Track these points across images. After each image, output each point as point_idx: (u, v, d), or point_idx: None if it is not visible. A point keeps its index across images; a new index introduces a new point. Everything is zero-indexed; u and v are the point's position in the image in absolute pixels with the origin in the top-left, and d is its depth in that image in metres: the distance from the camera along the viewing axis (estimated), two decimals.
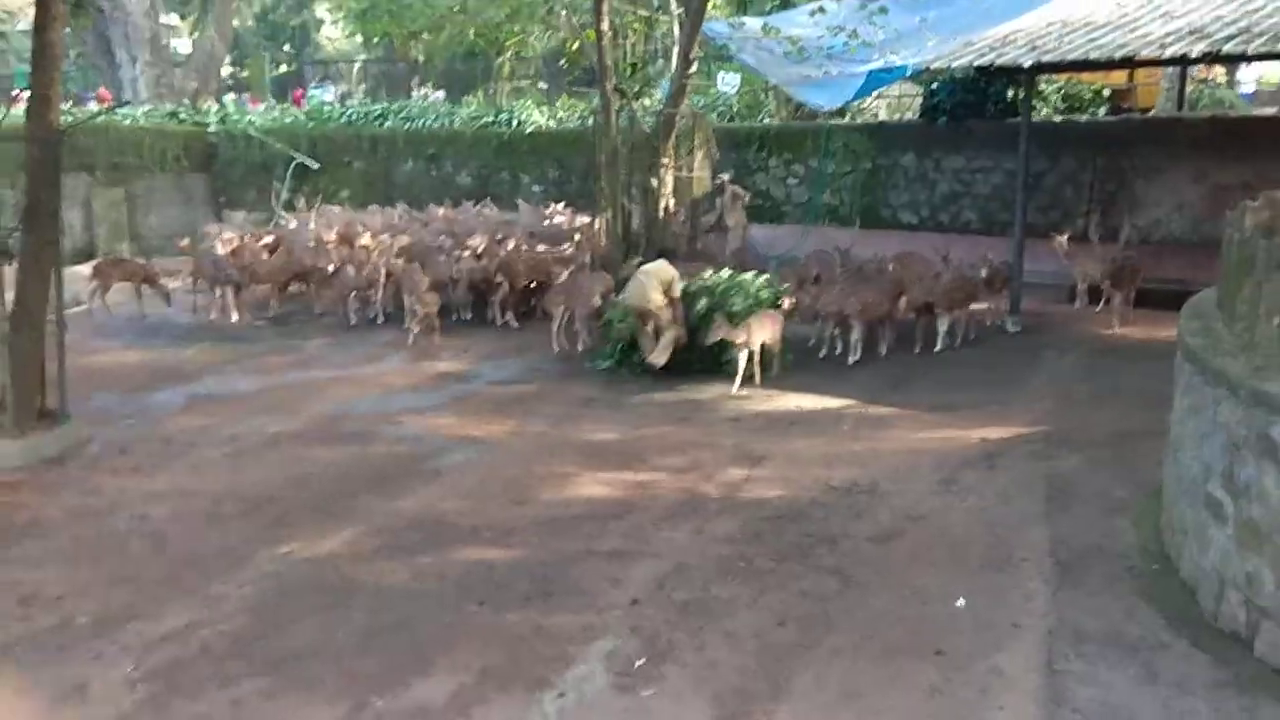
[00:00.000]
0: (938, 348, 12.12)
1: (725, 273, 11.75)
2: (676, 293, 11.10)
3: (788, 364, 11.30)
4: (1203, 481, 5.82)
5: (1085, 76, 19.72)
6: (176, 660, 5.34)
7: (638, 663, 5.27)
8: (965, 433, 9.27)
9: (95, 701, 4.97)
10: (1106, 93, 20.97)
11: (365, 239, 15.89)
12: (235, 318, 14.67)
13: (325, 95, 33.36)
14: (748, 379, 10.65)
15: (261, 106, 28.72)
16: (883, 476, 8.12)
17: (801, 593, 6.08)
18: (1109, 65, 13.63)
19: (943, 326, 12.19)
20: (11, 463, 8.56)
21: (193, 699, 4.97)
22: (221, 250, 16.21)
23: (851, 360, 11.65)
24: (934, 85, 19.08)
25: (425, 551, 6.76)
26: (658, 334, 11.04)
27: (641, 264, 11.76)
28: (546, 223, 18.00)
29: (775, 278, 12.33)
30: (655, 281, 10.98)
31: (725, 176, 17.13)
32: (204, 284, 15.52)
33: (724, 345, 10.79)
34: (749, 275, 11.77)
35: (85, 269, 16.39)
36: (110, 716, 4.85)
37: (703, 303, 11.20)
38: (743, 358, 10.55)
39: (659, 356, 10.99)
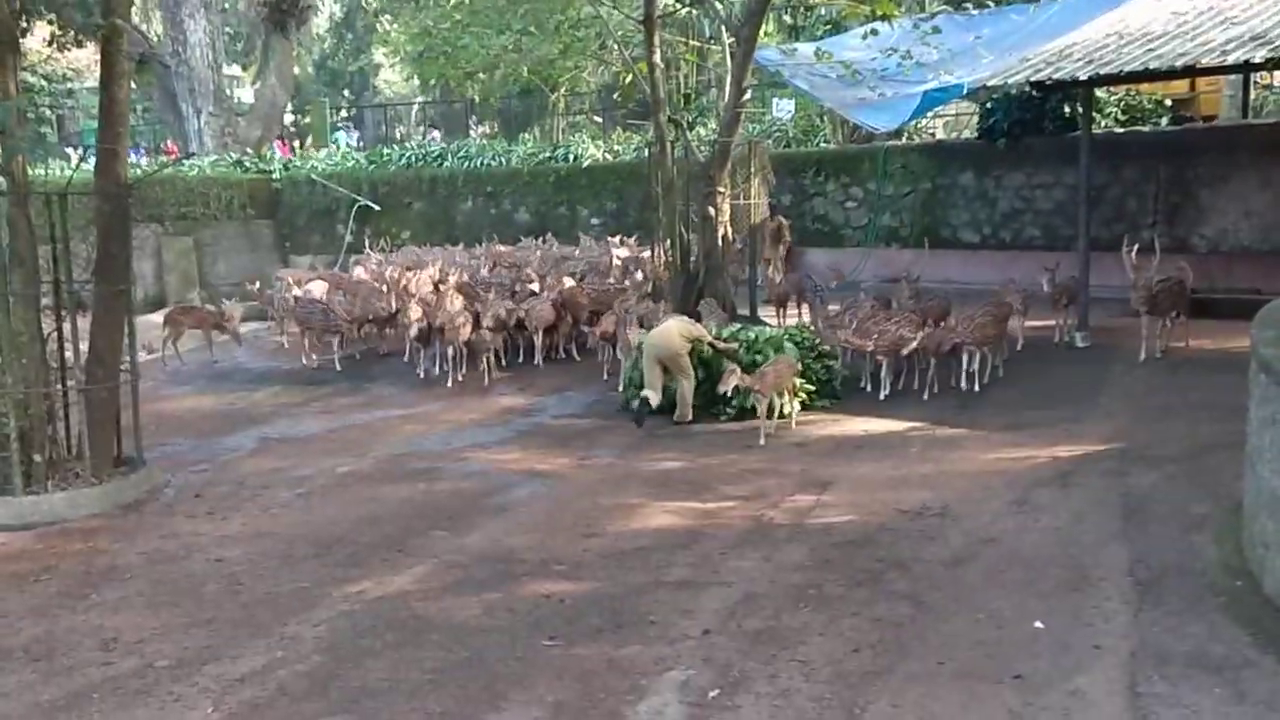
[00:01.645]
0: (965, 386, 11.39)
1: (756, 330, 11.69)
2: (704, 347, 11.09)
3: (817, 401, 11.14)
4: None
5: (1145, 87, 19.42)
6: (254, 701, 5.39)
7: (711, 694, 5.23)
8: (1036, 452, 9.14)
9: None
10: (1168, 102, 20.66)
11: (423, 278, 16.00)
12: (338, 364, 14.52)
13: (348, 139, 33.77)
14: (762, 432, 10.14)
15: (323, 151, 29.19)
16: (953, 499, 8.02)
17: (874, 619, 6.01)
18: (1169, 75, 13.44)
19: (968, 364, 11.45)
20: (90, 509, 8.75)
21: None
22: (293, 294, 16.47)
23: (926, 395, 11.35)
24: (989, 105, 18.91)
25: (495, 587, 6.79)
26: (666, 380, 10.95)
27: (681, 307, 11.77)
28: (601, 254, 18.09)
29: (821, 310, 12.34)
30: (682, 329, 11.00)
31: (767, 207, 16.52)
32: (292, 327, 15.79)
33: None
34: (774, 332, 11.79)
35: (157, 317, 16.73)
36: None
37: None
38: (763, 406, 10.20)
39: (685, 412, 10.95)
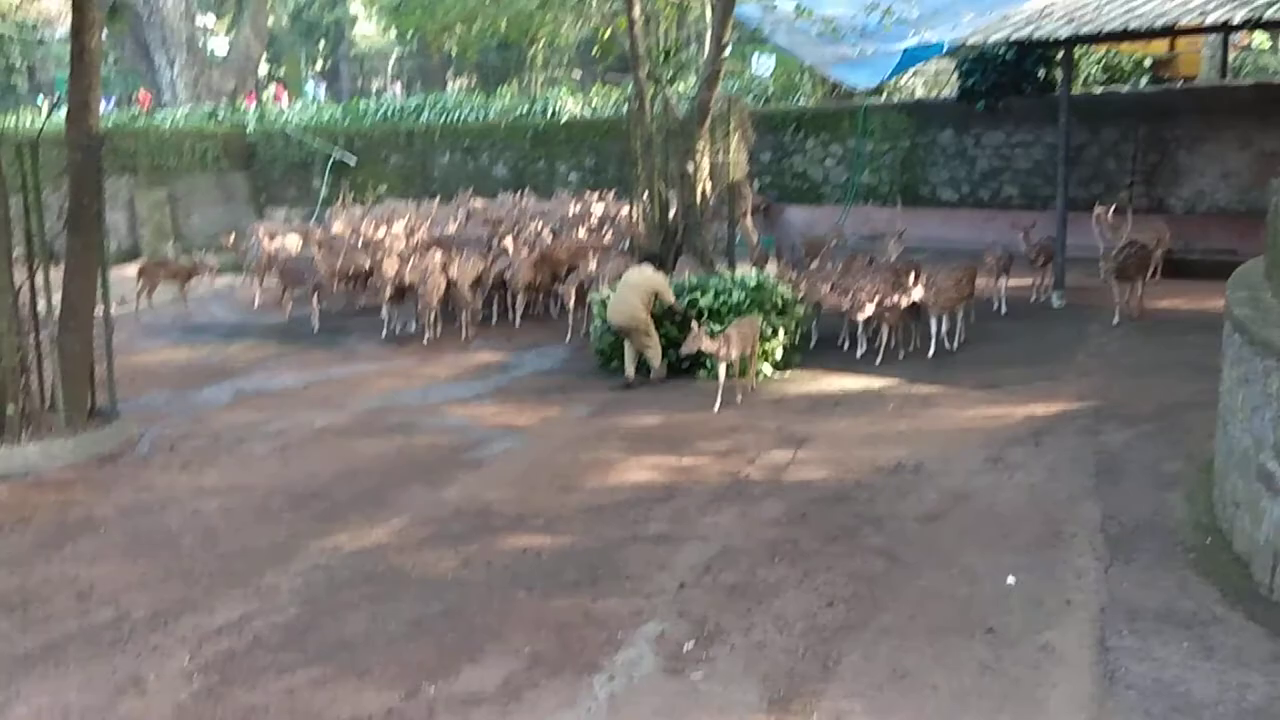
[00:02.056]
0: (930, 351, 11.31)
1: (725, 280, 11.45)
2: (670, 298, 10.77)
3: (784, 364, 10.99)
4: (1255, 453, 5.74)
5: (1125, 47, 19.41)
6: (231, 651, 5.40)
7: (686, 646, 5.27)
8: (1011, 410, 9.21)
9: (153, 694, 5.03)
10: (1148, 63, 20.64)
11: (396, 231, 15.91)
12: (316, 322, 14.27)
13: (316, 93, 33.40)
14: (728, 393, 9.85)
15: (297, 103, 28.89)
16: (929, 456, 8.08)
17: (849, 574, 6.06)
18: (1149, 34, 13.43)
19: (936, 327, 11.41)
20: (64, 460, 8.70)
21: (248, 689, 5.03)
22: (266, 247, 16.37)
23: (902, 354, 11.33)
24: (965, 67, 18.83)
25: (472, 540, 6.80)
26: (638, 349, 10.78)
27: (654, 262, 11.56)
28: (571, 209, 18.11)
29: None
30: (641, 293, 10.61)
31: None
32: (270, 280, 15.76)
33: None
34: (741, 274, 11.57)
35: (131, 269, 16.60)
36: (168, 708, 4.91)
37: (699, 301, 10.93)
38: (722, 369, 9.85)
39: (660, 370, 10.78)
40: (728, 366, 9.88)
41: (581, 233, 15.94)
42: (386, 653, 5.33)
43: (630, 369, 10.77)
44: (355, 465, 8.52)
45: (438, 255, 13.51)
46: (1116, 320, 11.83)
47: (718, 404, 9.71)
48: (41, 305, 9.17)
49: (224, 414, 10.32)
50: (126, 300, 14.98)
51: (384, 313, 13.77)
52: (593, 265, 13.14)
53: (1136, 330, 11.79)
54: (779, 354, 10.93)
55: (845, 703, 4.73)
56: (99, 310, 9.52)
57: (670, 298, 10.76)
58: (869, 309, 10.93)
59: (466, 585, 6.12)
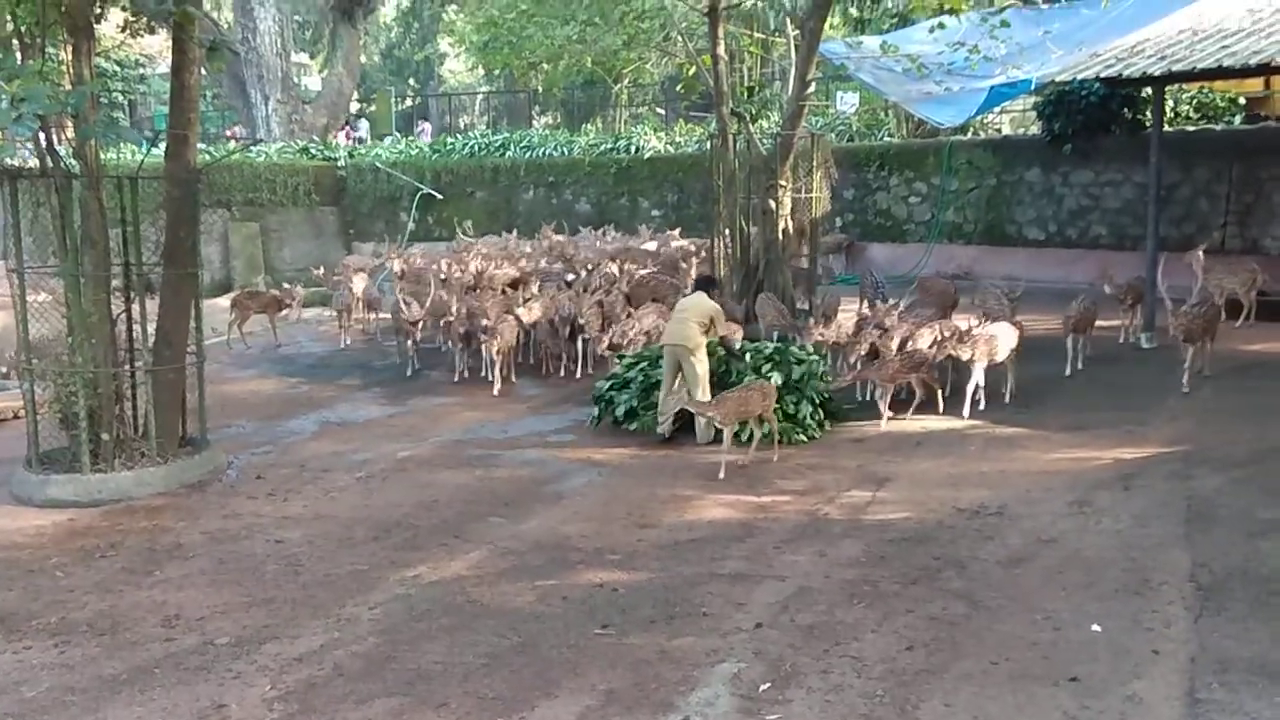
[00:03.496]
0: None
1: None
2: (724, 329, 10.30)
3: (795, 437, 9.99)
4: None
5: (1218, 85, 19.03)
6: (311, 680, 5.47)
7: (762, 687, 5.23)
8: (1099, 453, 9.02)
9: None
10: (1242, 101, 20.22)
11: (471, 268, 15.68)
12: (413, 364, 13.73)
13: (359, 133, 33.78)
14: (734, 462, 9.14)
15: (388, 139, 29.43)
16: (1012, 498, 7.94)
17: (929, 617, 5.97)
18: (1243, 73, 13.16)
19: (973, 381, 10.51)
20: (155, 488, 8.93)
21: (327, 718, 5.09)
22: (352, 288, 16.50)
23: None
24: (1047, 111, 18.57)
25: (549, 574, 6.83)
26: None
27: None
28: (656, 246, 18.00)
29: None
30: (698, 314, 9.96)
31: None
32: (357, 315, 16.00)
33: None
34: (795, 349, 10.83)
35: (223, 301, 17.00)
36: None
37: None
38: (727, 435, 9.19)
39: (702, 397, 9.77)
40: (734, 434, 9.34)
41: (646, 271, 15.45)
42: (463, 685, 5.35)
43: (668, 420, 9.96)
44: (436, 496, 8.62)
45: (500, 303, 13.15)
46: (1186, 390, 10.74)
47: (721, 471, 8.94)
48: (137, 335, 9.44)
49: (309, 444, 10.51)
50: (218, 331, 15.33)
51: (454, 357, 13.24)
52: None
53: (1229, 373, 11.49)
54: (807, 420, 10.10)
55: None
56: (192, 341, 9.76)
57: (724, 329, 10.35)
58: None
59: (543, 619, 6.14)
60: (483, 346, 12.52)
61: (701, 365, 9.92)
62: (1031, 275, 16.47)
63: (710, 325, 10.03)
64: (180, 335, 9.62)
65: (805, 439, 9.97)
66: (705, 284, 10.72)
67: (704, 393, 9.76)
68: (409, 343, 13.64)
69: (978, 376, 10.42)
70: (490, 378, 12.60)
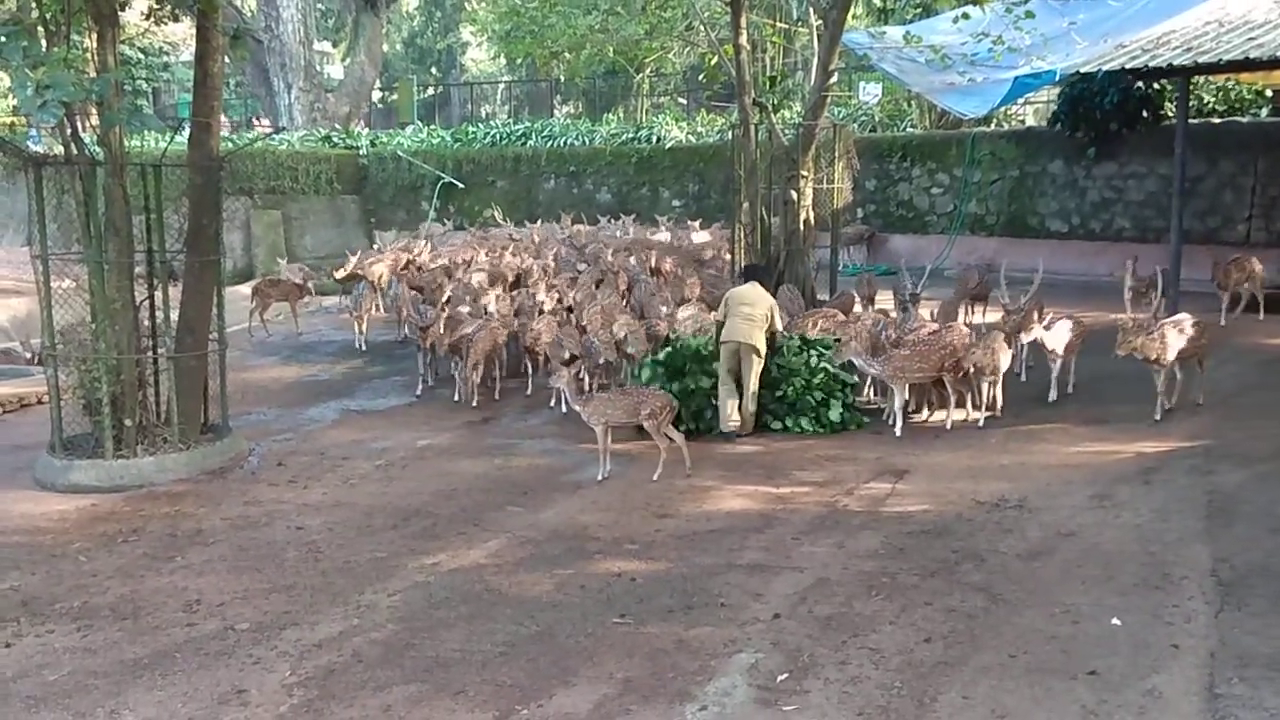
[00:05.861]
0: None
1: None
2: (778, 322, 10.03)
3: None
4: None
5: (1244, 77, 18.86)
6: (331, 667, 5.51)
7: (780, 677, 5.23)
8: (1119, 447, 8.98)
9: (254, 706, 5.15)
10: (1268, 93, 20.04)
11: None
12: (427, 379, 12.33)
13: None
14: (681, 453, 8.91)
15: (409, 128, 29.45)
16: (1032, 491, 7.92)
17: (947, 609, 5.96)
18: (1270, 65, 13.05)
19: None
20: (177, 474, 8.99)
21: (346, 705, 5.12)
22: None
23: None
24: (1063, 114, 18.39)
25: (567, 563, 6.85)
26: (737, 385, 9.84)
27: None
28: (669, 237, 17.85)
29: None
30: (765, 309, 9.80)
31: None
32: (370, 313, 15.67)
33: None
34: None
35: (245, 289, 17.06)
36: None
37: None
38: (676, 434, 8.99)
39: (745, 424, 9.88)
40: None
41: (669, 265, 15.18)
42: (481, 673, 5.38)
43: (733, 413, 9.80)
44: (455, 485, 8.65)
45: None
46: (1157, 416, 9.83)
47: (687, 463, 8.84)
48: (160, 322, 9.50)
49: (330, 431, 10.56)
50: (240, 319, 15.38)
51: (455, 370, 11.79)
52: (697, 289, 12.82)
53: (1252, 367, 11.41)
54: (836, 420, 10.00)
55: None
56: (214, 328, 9.81)
57: (780, 323, 10.10)
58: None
59: (561, 608, 6.15)
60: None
61: (761, 363, 9.81)
62: (1054, 268, 16.38)
63: (770, 318, 9.89)
64: (202, 322, 9.67)
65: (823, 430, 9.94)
66: (757, 272, 10.61)
67: (753, 384, 9.77)
68: (420, 355, 12.22)
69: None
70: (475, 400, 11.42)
